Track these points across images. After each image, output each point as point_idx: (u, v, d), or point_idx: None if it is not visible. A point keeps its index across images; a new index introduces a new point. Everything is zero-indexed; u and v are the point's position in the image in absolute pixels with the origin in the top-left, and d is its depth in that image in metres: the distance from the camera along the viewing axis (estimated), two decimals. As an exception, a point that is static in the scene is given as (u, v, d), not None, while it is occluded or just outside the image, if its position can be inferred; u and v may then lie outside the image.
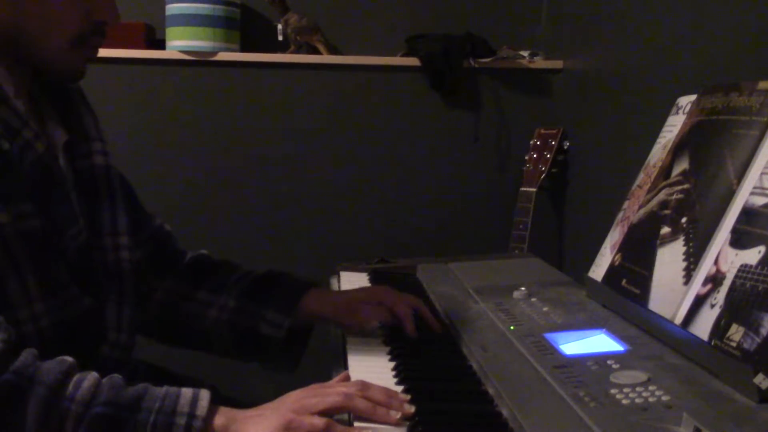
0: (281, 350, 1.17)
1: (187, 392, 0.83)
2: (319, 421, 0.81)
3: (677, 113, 1.21)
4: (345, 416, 0.86)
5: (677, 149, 1.13)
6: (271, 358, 1.19)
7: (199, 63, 2.28)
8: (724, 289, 0.87)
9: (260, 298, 1.18)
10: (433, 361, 1.05)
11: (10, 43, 0.94)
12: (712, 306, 0.88)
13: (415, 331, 1.12)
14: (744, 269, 0.85)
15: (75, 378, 0.80)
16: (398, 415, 0.84)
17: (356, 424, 0.84)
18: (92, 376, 0.82)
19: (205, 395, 0.83)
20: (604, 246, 1.24)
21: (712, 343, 0.85)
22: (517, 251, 2.05)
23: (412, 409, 0.85)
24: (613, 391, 0.83)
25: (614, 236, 1.22)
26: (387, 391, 0.88)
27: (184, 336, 1.24)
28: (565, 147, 2.18)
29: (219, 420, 0.82)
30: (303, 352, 1.22)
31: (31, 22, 0.93)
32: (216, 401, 0.84)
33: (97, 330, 1.00)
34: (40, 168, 0.92)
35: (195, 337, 1.23)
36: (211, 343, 1.22)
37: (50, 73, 1.00)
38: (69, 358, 0.82)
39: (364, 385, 0.88)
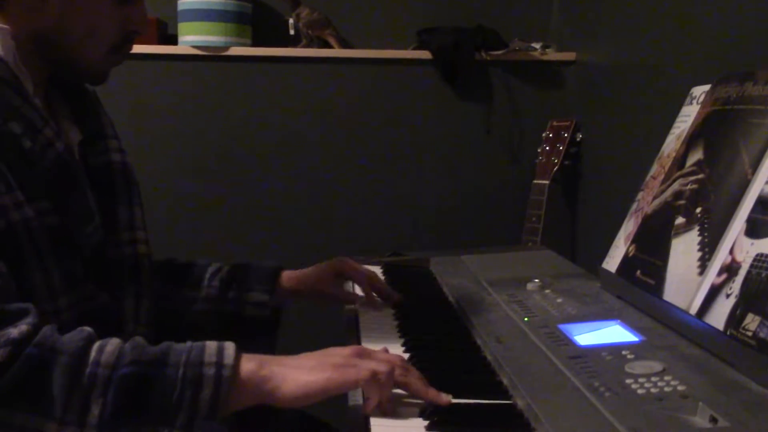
0: (264, 331, 1.24)
1: (211, 344, 0.84)
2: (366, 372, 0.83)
3: (691, 103, 1.20)
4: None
5: (691, 139, 1.12)
6: (255, 340, 1.24)
7: (211, 58, 2.28)
8: (739, 279, 0.86)
9: (240, 284, 1.25)
10: (448, 353, 1.05)
11: (48, 43, 0.96)
12: (728, 296, 0.87)
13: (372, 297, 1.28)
14: (760, 258, 0.85)
15: (97, 344, 0.81)
16: (450, 398, 0.86)
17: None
18: (114, 340, 0.82)
19: (230, 345, 0.84)
20: (618, 237, 1.23)
21: (728, 333, 0.85)
22: (530, 243, 2.05)
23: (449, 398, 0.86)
24: (628, 381, 0.82)
25: (628, 227, 1.21)
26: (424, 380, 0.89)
27: (170, 331, 1.25)
28: (578, 139, 2.17)
29: (248, 365, 0.83)
30: (277, 332, 1.29)
31: (75, 29, 0.96)
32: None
33: (115, 323, 1.01)
34: (59, 166, 0.94)
35: (182, 331, 1.24)
36: (197, 335, 1.24)
37: (79, 76, 1.04)
38: (87, 328, 0.83)
39: (403, 361, 0.90)
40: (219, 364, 0.81)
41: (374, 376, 0.83)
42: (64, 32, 0.96)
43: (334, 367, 0.84)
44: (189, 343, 0.84)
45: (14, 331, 0.77)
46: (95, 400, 0.77)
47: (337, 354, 0.87)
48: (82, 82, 1.07)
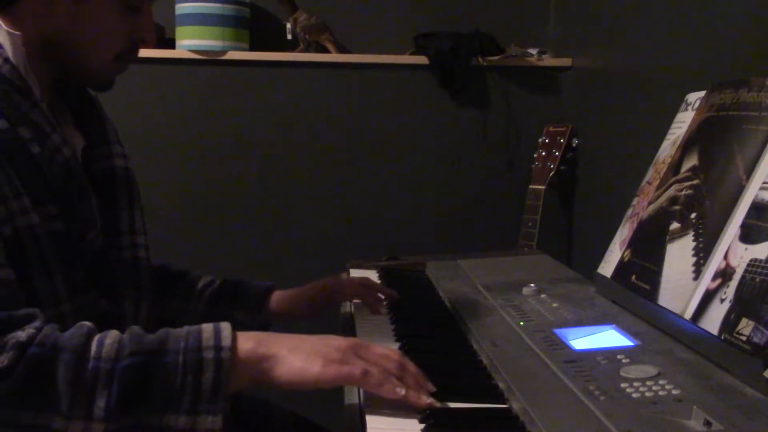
0: None
1: (207, 327, 0.84)
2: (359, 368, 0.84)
3: (686, 110, 1.21)
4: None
5: (686, 145, 1.13)
6: None
7: (208, 62, 2.29)
8: (733, 284, 0.87)
9: (229, 301, 1.25)
10: (444, 356, 1.06)
11: (55, 49, 0.96)
12: (722, 300, 0.88)
13: (379, 303, 1.28)
14: (754, 264, 0.85)
15: (96, 338, 0.81)
16: (429, 399, 0.85)
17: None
18: (113, 333, 0.83)
19: (226, 326, 0.85)
20: (613, 242, 1.24)
21: (722, 338, 0.85)
22: (526, 248, 2.05)
23: (432, 388, 0.87)
24: (623, 385, 0.83)
25: (624, 232, 1.22)
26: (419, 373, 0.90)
27: None
28: (574, 144, 2.18)
29: (245, 345, 0.84)
30: None
31: (84, 35, 0.97)
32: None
33: (115, 328, 1.01)
34: (66, 172, 0.94)
35: None
36: None
37: (85, 82, 1.05)
38: (87, 323, 0.83)
39: (400, 357, 0.89)
40: (217, 347, 0.82)
41: (365, 375, 0.84)
42: (71, 39, 0.96)
43: (329, 361, 0.84)
44: (186, 328, 0.85)
45: (22, 335, 0.78)
46: (100, 393, 0.78)
47: (334, 346, 0.87)
48: (89, 88, 1.08)
